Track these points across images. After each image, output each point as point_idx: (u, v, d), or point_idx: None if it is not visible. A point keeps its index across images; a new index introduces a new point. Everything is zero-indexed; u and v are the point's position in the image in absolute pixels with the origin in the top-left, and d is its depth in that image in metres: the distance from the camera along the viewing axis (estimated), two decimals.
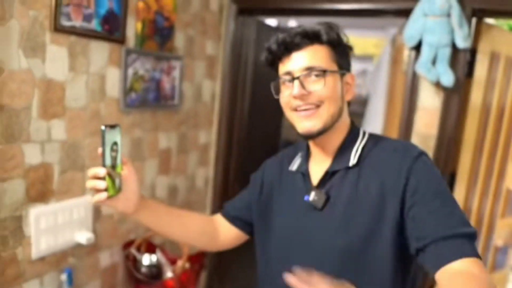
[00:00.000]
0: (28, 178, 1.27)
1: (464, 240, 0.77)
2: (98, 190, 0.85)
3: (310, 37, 0.89)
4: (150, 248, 1.75)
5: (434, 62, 1.60)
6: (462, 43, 1.54)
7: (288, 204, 1.01)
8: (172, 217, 1.08)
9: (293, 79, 0.89)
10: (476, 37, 1.67)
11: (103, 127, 0.81)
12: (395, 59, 2.12)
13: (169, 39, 1.73)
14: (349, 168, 0.92)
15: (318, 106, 0.89)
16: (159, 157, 1.81)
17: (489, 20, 1.73)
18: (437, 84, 1.64)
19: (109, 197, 0.84)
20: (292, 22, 3.69)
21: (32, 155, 1.27)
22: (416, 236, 0.81)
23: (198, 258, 1.75)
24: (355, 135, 0.97)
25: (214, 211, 2.21)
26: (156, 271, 1.65)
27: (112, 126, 0.84)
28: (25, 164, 1.26)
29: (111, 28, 1.45)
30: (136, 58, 1.58)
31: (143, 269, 1.63)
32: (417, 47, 1.65)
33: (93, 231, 1.51)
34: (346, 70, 0.94)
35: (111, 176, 0.84)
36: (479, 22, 1.66)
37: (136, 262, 1.66)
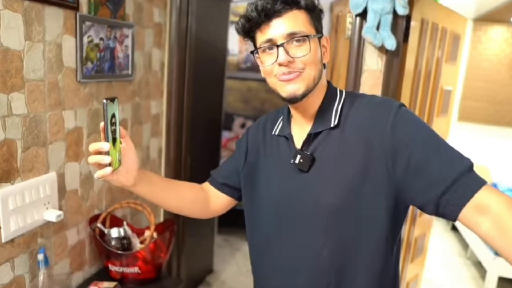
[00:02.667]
0: None
1: (469, 173, 0.81)
2: (101, 165, 0.84)
3: (289, 3, 0.90)
4: (115, 221, 1.73)
5: (377, 28, 1.75)
6: (402, 10, 1.70)
7: (274, 168, 1.04)
8: (168, 187, 1.10)
9: (276, 46, 0.90)
10: (410, 5, 1.85)
11: (104, 101, 0.80)
12: (336, 27, 2.25)
13: (120, 6, 1.65)
14: (331, 129, 0.95)
15: (302, 70, 0.91)
16: None
17: None
18: (380, 48, 1.80)
19: (112, 171, 0.84)
20: None
21: None
22: (425, 186, 0.83)
23: (166, 227, 1.77)
24: (333, 95, 1.00)
25: None
26: (126, 243, 1.64)
27: (112, 99, 0.82)
28: None
29: None
30: (90, 26, 1.50)
31: (113, 242, 1.61)
32: (361, 14, 1.79)
33: (59, 208, 1.45)
34: (321, 33, 0.96)
35: (112, 150, 0.83)
36: None
37: (104, 236, 1.63)
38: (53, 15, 1.34)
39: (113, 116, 0.83)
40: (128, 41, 1.74)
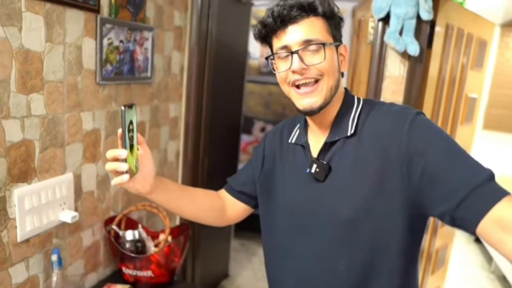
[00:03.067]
0: (10, 156, 1.19)
1: (489, 184, 0.75)
2: (118, 172, 0.83)
3: (306, 9, 0.88)
4: (130, 224, 1.73)
5: (400, 33, 1.70)
6: (426, 15, 1.66)
7: (290, 177, 1.02)
8: (184, 195, 1.09)
9: (290, 53, 0.88)
10: (435, 10, 1.80)
11: (122, 108, 0.79)
12: (358, 32, 2.21)
13: (141, 8, 1.66)
14: (347, 137, 0.92)
15: (317, 80, 0.89)
16: None
17: None
18: (403, 54, 1.75)
19: (129, 178, 0.83)
20: None
21: (12, 131, 1.19)
22: (441, 197, 0.78)
23: (181, 231, 1.76)
24: (350, 103, 0.97)
25: (184, 183, 2.21)
26: (141, 246, 1.64)
27: (130, 106, 0.81)
28: (6, 142, 1.18)
29: None
30: (110, 28, 1.50)
31: (128, 245, 1.61)
32: (384, 19, 1.75)
33: (75, 209, 1.46)
34: (339, 41, 0.94)
35: (129, 157, 0.82)
36: None
37: (119, 239, 1.63)
38: (74, 18, 1.35)
39: (131, 122, 0.82)
40: (148, 44, 1.74)
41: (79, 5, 1.35)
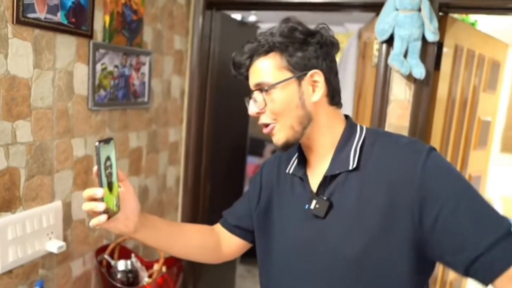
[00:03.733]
0: None
1: (508, 238, 0.71)
2: (95, 213, 0.77)
3: (251, 54, 0.88)
4: (124, 253, 1.67)
5: (405, 55, 1.63)
6: (432, 36, 1.59)
7: (288, 211, 0.95)
8: (173, 232, 1.01)
9: (249, 97, 0.90)
10: (442, 31, 1.73)
11: (97, 144, 0.74)
12: (363, 54, 2.16)
13: (137, 33, 1.64)
14: (350, 171, 0.85)
15: (274, 121, 0.87)
16: (129, 157, 1.73)
17: (453, 15, 1.80)
18: (408, 77, 1.68)
19: (108, 218, 0.77)
20: (253, 17, 3.66)
21: None
22: (456, 248, 0.74)
23: (175, 261, 1.69)
24: (351, 133, 0.89)
25: (184, 211, 2.15)
26: (132, 276, 1.57)
27: (106, 141, 0.76)
28: None
29: (77, 21, 1.35)
30: (104, 53, 1.48)
31: (119, 275, 1.55)
32: (388, 41, 1.69)
33: (63, 238, 1.41)
34: (307, 69, 0.85)
35: (108, 195, 0.76)
36: (445, 16, 1.72)
37: (110, 269, 1.57)
38: (65, 43, 1.33)
39: (108, 159, 0.77)
40: (145, 69, 1.72)
41: (71, 31, 1.34)
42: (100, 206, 0.75)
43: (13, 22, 1.15)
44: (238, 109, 2.84)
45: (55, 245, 1.32)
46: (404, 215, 0.77)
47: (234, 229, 1.10)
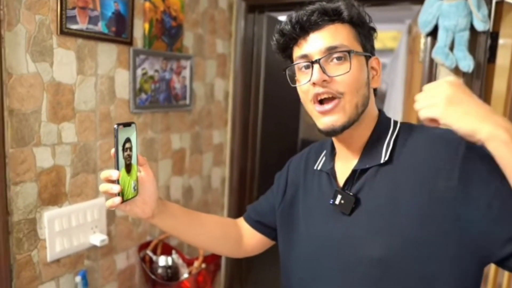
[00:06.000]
0: (40, 181, 1.28)
1: None
2: (111, 194, 0.76)
3: (329, 14, 0.78)
4: (166, 249, 1.74)
5: (452, 47, 1.52)
6: (482, 25, 1.46)
7: (314, 208, 0.91)
8: (192, 221, 0.99)
9: (311, 63, 0.78)
10: (497, 20, 1.58)
11: (115, 126, 0.74)
12: (412, 49, 2.04)
13: (177, 38, 1.72)
14: (381, 165, 0.79)
15: (340, 95, 0.78)
16: (172, 158, 1.80)
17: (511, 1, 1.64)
18: (457, 71, 1.56)
19: (124, 201, 0.76)
20: None
21: (43, 158, 1.28)
22: (507, 238, 0.67)
23: (213, 259, 1.73)
24: (385, 127, 0.84)
25: (231, 211, 2.19)
26: (172, 272, 1.64)
27: (126, 124, 0.76)
28: (37, 167, 1.27)
29: (118, 30, 1.45)
30: (144, 58, 1.57)
31: (160, 271, 1.62)
32: (433, 33, 1.58)
33: (107, 233, 1.51)
34: (371, 53, 0.82)
35: (126, 178, 0.76)
36: (500, 3, 1.57)
37: (152, 264, 1.65)
38: (106, 51, 1.44)
39: (128, 141, 0.77)
40: (186, 72, 1.79)
41: (112, 39, 1.44)
42: (115, 188, 0.74)
43: (57, 33, 1.27)
44: (287, 110, 2.85)
45: (98, 238, 1.42)
46: (445, 210, 0.71)
47: (256, 224, 1.07)
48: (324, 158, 0.94)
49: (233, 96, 2.12)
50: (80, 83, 1.37)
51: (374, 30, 0.84)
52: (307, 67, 0.80)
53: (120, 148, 0.74)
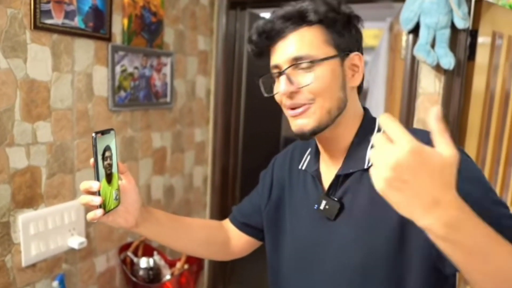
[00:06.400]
0: (14, 182, 1.22)
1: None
2: (92, 206, 0.72)
3: (293, 20, 0.75)
4: (148, 250, 1.70)
5: (433, 45, 1.53)
6: (462, 23, 1.47)
7: (299, 209, 0.89)
8: (177, 227, 0.95)
9: (279, 73, 0.77)
10: (477, 17, 1.60)
11: (93, 135, 0.70)
12: (393, 47, 2.05)
13: (157, 35, 1.68)
14: (365, 170, 0.77)
15: (311, 101, 0.75)
16: (153, 157, 1.76)
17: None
18: (438, 68, 1.57)
19: (106, 213, 0.73)
20: None
21: (17, 159, 1.22)
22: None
23: (196, 259, 1.70)
24: (369, 128, 0.81)
25: (213, 210, 2.16)
26: (154, 274, 1.60)
27: (105, 132, 0.72)
28: (10, 168, 1.21)
29: (95, 25, 1.40)
30: (124, 55, 1.53)
31: (141, 273, 1.58)
32: (415, 31, 1.59)
33: (86, 235, 1.47)
34: (349, 50, 0.78)
35: (107, 188, 0.73)
36: (479, 1, 1.59)
37: (133, 266, 1.61)
38: (84, 47, 1.39)
39: (108, 149, 0.73)
40: (167, 69, 1.75)
41: (89, 35, 1.39)
42: (96, 200, 0.70)
43: (31, 28, 1.22)
44: (269, 108, 2.83)
45: (76, 241, 1.37)
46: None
47: (242, 226, 1.05)
48: (308, 158, 0.92)
49: (215, 94, 2.09)
50: (56, 80, 1.31)
51: (356, 20, 0.79)
52: (277, 76, 0.78)
53: (99, 157, 0.71)
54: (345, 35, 0.78)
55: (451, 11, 1.48)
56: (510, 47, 1.77)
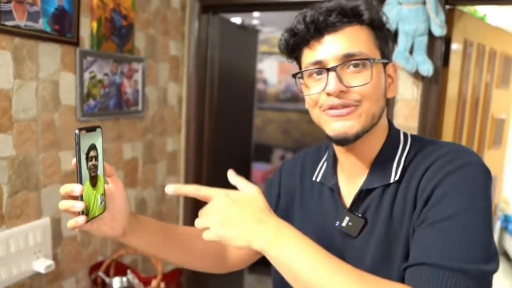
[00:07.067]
0: None
1: (467, 277, 0.58)
2: (74, 213, 0.64)
3: (348, 15, 0.70)
4: (120, 269, 1.59)
5: (411, 52, 1.54)
6: (439, 30, 1.49)
7: (312, 225, 0.83)
8: (170, 237, 0.86)
9: (326, 70, 0.70)
10: (450, 25, 1.63)
11: (77, 131, 0.63)
12: None
13: (128, 39, 1.58)
14: (387, 185, 0.73)
15: (358, 103, 0.70)
16: (124, 169, 1.65)
17: (461, 8, 1.70)
18: (415, 75, 1.58)
19: (90, 220, 0.65)
20: (255, 20, 3.59)
21: None
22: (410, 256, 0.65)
23: (173, 276, 1.61)
24: (396, 141, 0.77)
25: (186, 222, 2.07)
26: None
27: (90, 129, 0.65)
28: None
29: (62, 28, 1.29)
30: (93, 60, 1.42)
31: None
32: (394, 38, 1.59)
33: (53, 257, 1.34)
34: (388, 59, 0.76)
35: (91, 192, 0.65)
36: (452, 10, 1.62)
37: (105, 287, 1.49)
38: (49, 52, 1.27)
39: (93, 149, 0.65)
40: (138, 76, 1.65)
41: (55, 39, 1.28)
42: (78, 206, 0.62)
43: None
44: (241, 116, 2.78)
45: (42, 265, 1.25)
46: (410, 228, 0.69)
47: None
48: (324, 169, 0.86)
49: (187, 101, 2.00)
50: (18, 88, 1.19)
51: (391, 32, 0.77)
52: (319, 73, 0.72)
53: (83, 157, 0.63)
54: (387, 42, 0.75)
55: (428, 18, 1.49)
56: (479, 54, 1.82)
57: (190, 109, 2.00)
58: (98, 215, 0.67)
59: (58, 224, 1.36)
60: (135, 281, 1.56)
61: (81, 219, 0.63)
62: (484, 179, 0.67)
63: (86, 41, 1.40)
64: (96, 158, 0.66)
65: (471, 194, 0.65)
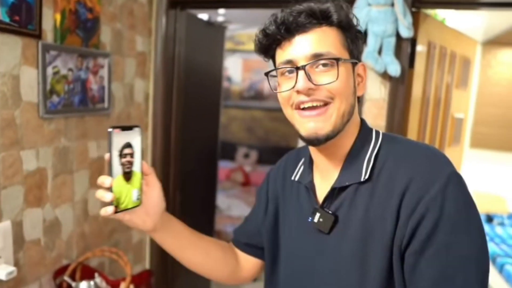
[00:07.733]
0: None
1: None
2: (105, 203, 0.70)
3: (317, 17, 0.73)
4: (87, 273, 1.52)
5: (379, 52, 1.57)
6: (406, 32, 1.53)
7: (293, 222, 0.87)
8: (195, 243, 0.92)
9: (296, 69, 0.73)
10: (415, 27, 1.68)
11: (110, 129, 0.69)
12: None
13: (94, 33, 1.51)
14: (361, 183, 0.75)
15: (326, 103, 0.73)
16: (90, 168, 1.58)
17: (425, 11, 1.76)
18: (383, 75, 1.63)
19: (121, 211, 0.72)
20: (221, 17, 3.56)
21: None
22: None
23: (144, 278, 1.56)
24: (366, 139, 0.79)
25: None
26: None
27: (126, 128, 0.71)
28: None
29: (22, 20, 1.21)
30: (56, 55, 1.35)
31: None
32: (363, 38, 1.62)
33: (15, 262, 1.26)
34: (357, 59, 0.79)
35: (124, 186, 0.71)
36: (417, 12, 1.68)
37: None
38: (8, 44, 1.19)
39: (128, 146, 0.71)
40: (104, 72, 1.59)
41: (15, 30, 1.20)
42: (107, 197, 0.69)
43: None
44: (207, 113, 2.75)
45: (3, 271, 1.17)
46: (397, 240, 0.70)
47: (246, 247, 1.00)
48: (302, 168, 0.89)
49: (154, 98, 1.95)
50: None
51: (361, 33, 0.80)
52: (290, 71, 0.74)
53: (115, 153, 0.69)
54: (356, 43, 0.78)
55: (396, 20, 1.53)
56: (442, 56, 1.90)
57: (157, 106, 1.95)
58: (131, 207, 0.73)
59: (20, 227, 1.28)
60: (103, 284, 1.50)
61: (110, 209, 0.70)
62: (468, 196, 0.70)
63: (49, 34, 1.33)
64: (131, 155, 0.72)
65: (463, 215, 0.68)
